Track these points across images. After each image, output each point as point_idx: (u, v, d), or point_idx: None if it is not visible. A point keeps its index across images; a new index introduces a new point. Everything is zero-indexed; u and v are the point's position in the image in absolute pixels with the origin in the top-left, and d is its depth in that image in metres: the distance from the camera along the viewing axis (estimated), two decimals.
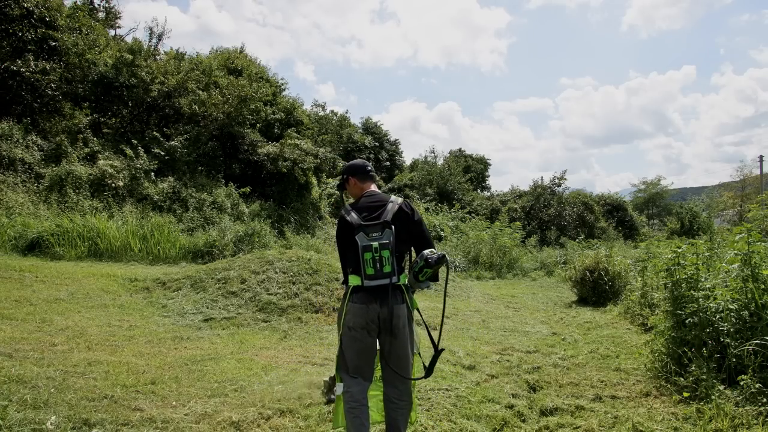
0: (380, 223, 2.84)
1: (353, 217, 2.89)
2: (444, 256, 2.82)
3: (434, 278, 2.90)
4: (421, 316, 3.21)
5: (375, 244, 2.78)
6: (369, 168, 3.21)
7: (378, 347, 2.92)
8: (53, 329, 5.57)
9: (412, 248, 3.00)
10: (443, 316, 3.02)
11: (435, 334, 6.59)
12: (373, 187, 3.15)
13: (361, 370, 2.86)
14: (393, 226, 2.82)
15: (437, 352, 2.92)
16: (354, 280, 2.84)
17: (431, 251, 2.86)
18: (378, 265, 2.77)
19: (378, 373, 3.08)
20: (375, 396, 3.10)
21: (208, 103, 17.62)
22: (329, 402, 3.78)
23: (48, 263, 9.38)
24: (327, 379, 3.97)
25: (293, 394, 4.04)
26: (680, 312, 4.65)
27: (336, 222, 2.99)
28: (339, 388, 2.84)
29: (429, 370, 2.93)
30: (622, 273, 9.75)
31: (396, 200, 2.98)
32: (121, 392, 3.86)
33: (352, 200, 3.16)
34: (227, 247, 12.04)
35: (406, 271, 2.99)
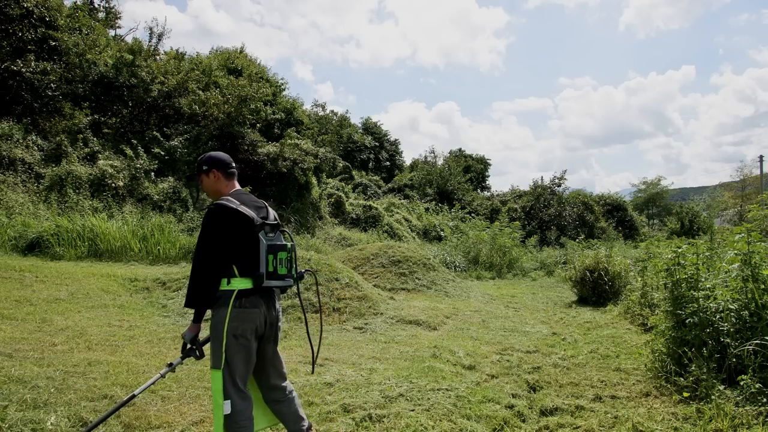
0: (274, 224, 2.76)
1: (249, 211, 2.65)
2: (309, 270, 3.14)
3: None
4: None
5: (288, 244, 2.74)
6: (234, 165, 2.95)
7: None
8: (53, 329, 5.57)
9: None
10: (321, 314, 3.03)
11: (435, 334, 6.61)
12: (238, 186, 2.93)
13: (246, 380, 2.70)
14: (284, 231, 2.83)
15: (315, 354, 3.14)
16: (242, 283, 2.60)
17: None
18: (289, 266, 2.73)
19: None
20: (258, 399, 3.01)
21: (208, 103, 17.62)
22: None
23: (48, 263, 9.38)
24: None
25: None
26: (680, 312, 4.65)
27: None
28: (227, 407, 2.57)
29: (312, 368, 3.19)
30: (622, 273, 9.76)
31: (269, 205, 2.92)
32: (121, 392, 3.85)
33: (205, 196, 3.00)
34: None
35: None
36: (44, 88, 14.90)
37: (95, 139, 15.12)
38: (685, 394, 4.01)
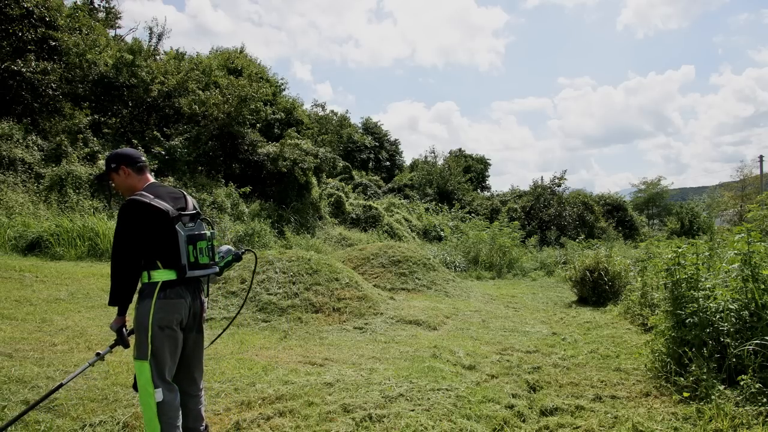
0: (193, 213, 2.78)
1: (164, 204, 2.65)
2: (250, 250, 3.44)
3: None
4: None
5: (207, 233, 2.77)
6: (144, 158, 2.92)
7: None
8: (53, 329, 5.57)
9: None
10: (243, 304, 3.02)
11: (435, 334, 6.60)
12: (152, 179, 2.91)
13: (172, 372, 2.73)
14: (204, 219, 2.86)
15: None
16: (165, 275, 2.64)
17: (232, 246, 2.99)
18: (210, 254, 2.78)
19: None
20: None
21: (208, 103, 17.63)
22: None
23: (48, 263, 9.38)
24: None
25: (293, 394, 4.04)
26: (680, 312, 4.65)
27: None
28: (158, 395, 2.63)
29: None
30: (622, 273, 9.76)
31: (189, 194, 2.95)
32: (122, 392, 3.85)
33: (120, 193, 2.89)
34: None
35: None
36: (44, 88, 14.90)
37: (95, 139, 15.12)
38: (685, 394, 4.01)
